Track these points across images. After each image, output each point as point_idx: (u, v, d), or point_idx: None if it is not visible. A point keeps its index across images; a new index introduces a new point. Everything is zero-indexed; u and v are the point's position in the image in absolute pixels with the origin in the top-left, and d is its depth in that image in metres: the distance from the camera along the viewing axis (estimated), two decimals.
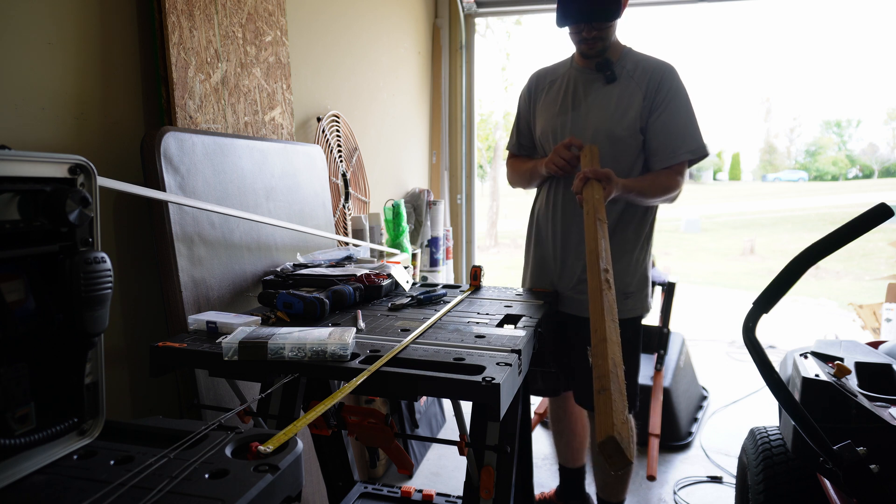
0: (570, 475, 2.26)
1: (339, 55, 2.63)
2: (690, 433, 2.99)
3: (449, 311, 1.54)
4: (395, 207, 2.88)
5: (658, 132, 1.80)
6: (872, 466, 1.15)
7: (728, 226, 17.18)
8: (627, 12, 1.81)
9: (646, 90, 1.79)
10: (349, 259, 1.90)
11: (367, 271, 1.69)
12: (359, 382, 1.02)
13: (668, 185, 1.80)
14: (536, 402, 3.11)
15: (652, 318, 2.86)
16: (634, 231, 1.86)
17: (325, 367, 1.11)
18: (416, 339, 1.26)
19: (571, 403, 2.13)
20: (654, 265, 3.00)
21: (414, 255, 3.10)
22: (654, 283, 2.88)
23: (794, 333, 5.52)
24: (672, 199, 1.84)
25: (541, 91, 1.98)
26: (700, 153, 1.82)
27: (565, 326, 1.93)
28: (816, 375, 1.37)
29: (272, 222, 1.76)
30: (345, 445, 1.75)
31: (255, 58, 1.91)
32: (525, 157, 2.05)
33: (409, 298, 1.62)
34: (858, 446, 1.16)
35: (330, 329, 1.19)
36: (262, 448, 0.74)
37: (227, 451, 0.75)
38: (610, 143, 1.80)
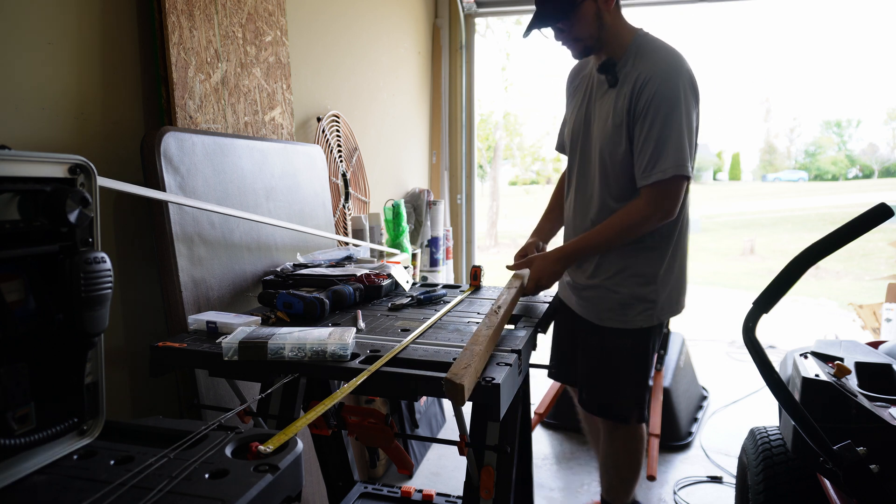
0: None
1: (339, 55, 2.63)
2: (690, 433, 2.99)
3: (449, 311, 1.54)
4: (395, 207, 2.88)
5: (636, 148, 1.62)
6: (872, 466, 1.15)
7: (728, 226, 17.16)
8: (628, 13, 1.74)
9: (629, 99, 1.61)
10: (349, 259, 1.90)
11: (367, 271, 1.69)
12: (359, 382, 1.02)
13: (626, 224, 1.61)
14: (536, 402, 3.11)
15: None
16: (630, 245, 1.70)
17: (325, 367, 1.11)
18: (416, 339, 1.26)
19: None
20: None
21: (414, 255, 3.10)
22: None
23: (794, 333, 5.52)
24: (639, 231, 1.64)
25: (572, 89, 1.89)
26: (672, 173, 1.56)
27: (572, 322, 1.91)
28: (816, 375, 1.37)
29: (272, 222, 1.76)
30: (345, 445, 1.75)
31: (255, 58, 1.91)
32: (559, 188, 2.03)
33: (409, 298, 1.62)
34: (858, 446, 1.16)
35: (330, 329, 1.19)
36: (262, 448, 0.74)
37: (227, 451, 0.75)
38: (610, 161, 1.68)
